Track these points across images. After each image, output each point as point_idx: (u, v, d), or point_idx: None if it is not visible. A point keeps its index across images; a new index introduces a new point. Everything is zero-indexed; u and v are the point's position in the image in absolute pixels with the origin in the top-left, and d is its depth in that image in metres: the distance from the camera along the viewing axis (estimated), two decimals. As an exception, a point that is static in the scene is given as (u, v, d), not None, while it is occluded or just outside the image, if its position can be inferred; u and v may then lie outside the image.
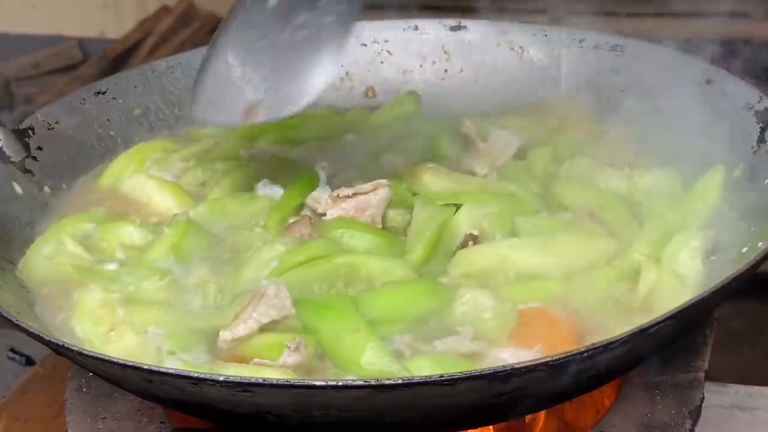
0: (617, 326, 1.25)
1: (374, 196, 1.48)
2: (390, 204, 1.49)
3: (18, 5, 4.94)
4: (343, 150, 1.72)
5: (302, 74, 1.46)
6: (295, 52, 1.46)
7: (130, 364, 1.10)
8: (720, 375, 1.73)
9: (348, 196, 1.48)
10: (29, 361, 2.39)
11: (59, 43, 5.05)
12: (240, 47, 1.47)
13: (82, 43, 5.05)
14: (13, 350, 2.42)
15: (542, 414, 1.59)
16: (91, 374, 1.49)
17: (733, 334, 3.02)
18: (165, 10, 4.96)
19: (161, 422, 1.42)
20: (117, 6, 5.02)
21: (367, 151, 1.71)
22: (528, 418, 1.57)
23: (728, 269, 1.27)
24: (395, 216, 1.49)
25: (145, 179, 1.64)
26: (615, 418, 1.38)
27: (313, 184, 1.56)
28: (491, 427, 1.56)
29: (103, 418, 1.43)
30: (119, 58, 4.74)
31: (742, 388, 1.98)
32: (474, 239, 1.42)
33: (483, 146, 1.65)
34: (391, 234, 1.47)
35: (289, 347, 1.24)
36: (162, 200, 1.61)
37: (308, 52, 1.45)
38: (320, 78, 1.46)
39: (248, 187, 1.62)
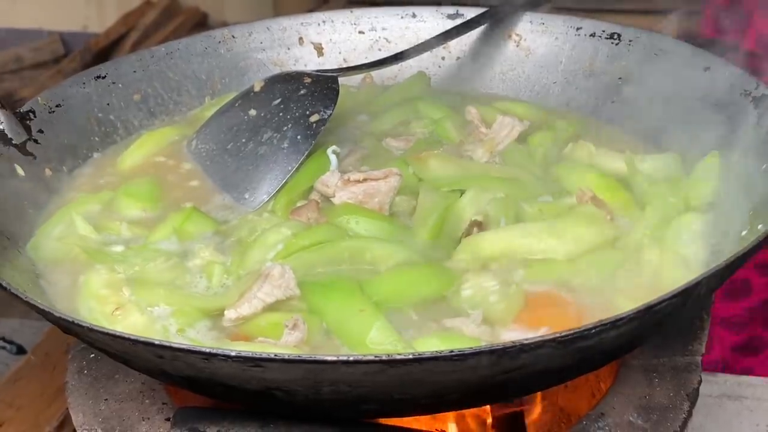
0: (623, 308, 1.26)
1: (384, 183, 1.48)
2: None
3: (-1, -1, 4.93)
4: (354, 133, 1.73)
5: (251, 185, 1.56)
6: (251, 164, 1.58)
7: (142, 339, 1.10)
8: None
9: (359, 181, 1.48)
10: (20, 350, 2.39)
11: (41, 37, 5.03)
12: (212, 143, 1.66)
13: (64, 37, 5.03)
14: (3, 339, 2.42)
15: (537, 397, 1.61)
16: (92, 355, 1.49)
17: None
18: (148, 4, 4.95)
19: (163, 403, 1.42)
20: (99, 0, 5.01)
21: (375, 135, 1.72)
22: (522, 401, 1.59)
23: (728, 252, 1.29)
24: (401, 201, 1.50)
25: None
26: (614, 401, 1.39)
27: (323, 168, 1.56)
28: (489, 409, 1.57)
29: (105, 399, 1.43)
30: (102, 52, 4.72)
31: (730, 378, 2.00)
32: (479, 225, 1.42)
33: (485, 132, 1.66)
34: (397, 220, 1.47)
35: (287, 326, 1.24)
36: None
37: (262, 167, 1.57)
38: (261, 196, 1.55)
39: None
